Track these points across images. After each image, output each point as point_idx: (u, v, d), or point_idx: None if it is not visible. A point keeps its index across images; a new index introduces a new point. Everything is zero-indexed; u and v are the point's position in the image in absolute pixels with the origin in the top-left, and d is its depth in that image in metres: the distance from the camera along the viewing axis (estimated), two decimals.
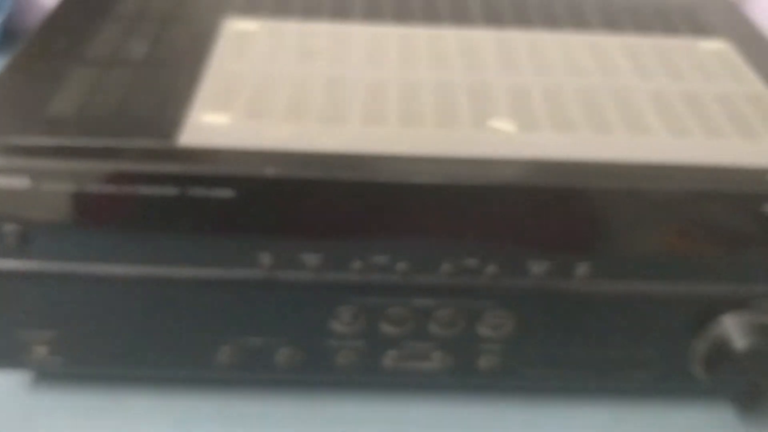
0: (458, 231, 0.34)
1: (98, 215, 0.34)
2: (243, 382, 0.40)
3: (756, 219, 0.34)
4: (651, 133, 0.36)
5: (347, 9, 0.47)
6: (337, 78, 0.39)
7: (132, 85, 0.38)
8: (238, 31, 0.43)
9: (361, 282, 0.35)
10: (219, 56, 0.41)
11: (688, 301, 0.36)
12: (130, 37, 0.43)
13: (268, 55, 0.41)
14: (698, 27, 0.48)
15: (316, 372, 0.38)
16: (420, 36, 0.44)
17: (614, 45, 0.44)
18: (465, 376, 0.39)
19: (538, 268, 0.35)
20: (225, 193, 0.33)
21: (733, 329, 0.36)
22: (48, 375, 0.40)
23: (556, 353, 0.38)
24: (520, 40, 0.44)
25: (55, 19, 0.45)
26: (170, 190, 0.33)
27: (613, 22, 0.48)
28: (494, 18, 0.47)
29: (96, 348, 0.37)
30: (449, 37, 0.44)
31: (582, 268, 0.35)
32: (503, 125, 0.36)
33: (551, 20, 0.47)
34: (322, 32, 0.44)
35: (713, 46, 0.45)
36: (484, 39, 0.44)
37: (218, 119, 0.35)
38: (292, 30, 0.44)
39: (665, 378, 0.39)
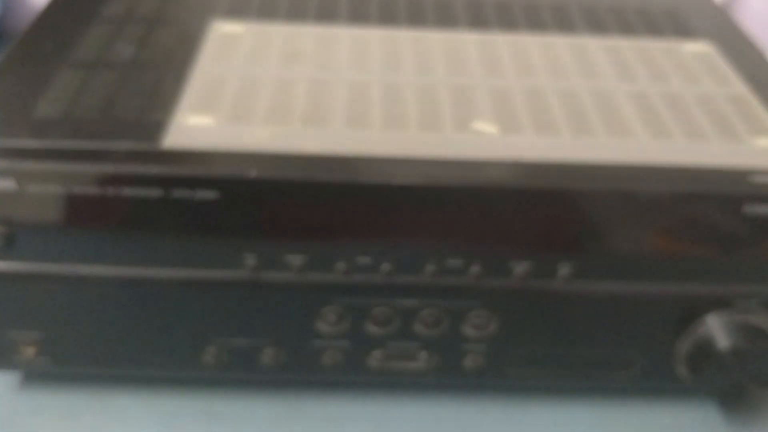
0: (442, 232, 0.35)
1: (84, 217, 0.34)
2: (229, 381, 0.40)
3: (737, 220, 0.34)
4: (633, 135, 0.37)
5: (333, 12, 0.48)
6: (321, 80, 0.40)
7: (118, 87, 0.38)
8: (224, 34, 0.44)
9: (345, 282, 0.36)
10: (204, 58, 0.41)
11: (672, 301, 0.37)
12: (116, 39, 0.43)
13: (253, 57, 0.41)
14: (682, 29, 0.48)
15: (301, 372, 0.39)
16: (404, 38, 0.44)
17: (597, 47, 0.45)
18: (450, 375, 0.39)
19: (521, 268, 0.35)
20: (209, 194, 0.33)
21: (717, 329, 0.37)
22: (36, 375, 0.40)
23: (540, 353, 0.38)
24: (503, 42, 0.45)
25: (42, 21, 0.45)
26: (155, 192, 0.33)
27: (596, 24, 0.48)
28: (478, 20, 0.48)
29: (83, 348, 0.38)
30: (433, 39, 0.44)
31: (565, 269, 0.35)
32: (486, 127, 0.37)
33: (535, 23, 0.48)
34: (307, 35, 0.44)
35: (696, 48, 0.45)
36: (467, 41, 0.44)
37: (203, 121, 0.36)
38: (277, 33, 0.44)
39: (649, 377, 0.39)
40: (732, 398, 0.38)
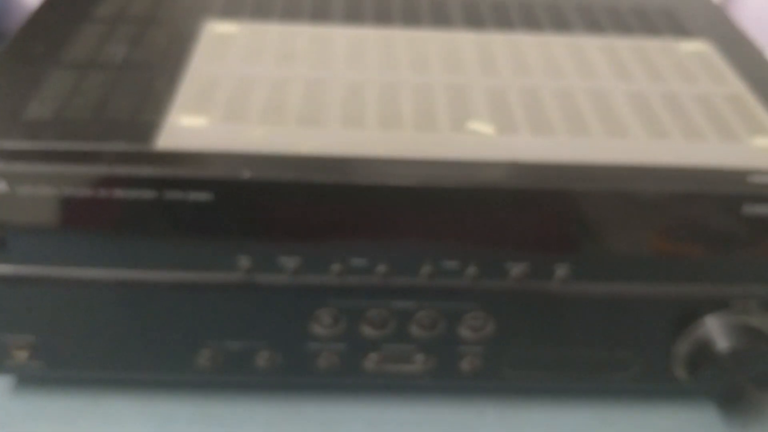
0: (438, 233, 0.34)
1: (76, 219, 0.34)
2: (223, 384, 0.40)
3: (736, 220, 0.34)
4: (630, 135, 0.37)
5: (327, 12, 0.47)
6: (316, 80, 0.39)
7: (110, 87, 0.38)
8: (218, 34, 0.43)
9: (340, 285, 0.35)
10: (198, 59, 0.41)
11: (670, 303, 0.36)
12: (109, 39, 0.43)
13: (248, 57, 0.41)
14: (679, 28, 0.48)
15: (296, 375, 0.38)
16: (399, 38, 0.44)
17: (594, 46, 0.44)
18: (447, 378, 0.38)
19: (517, 269, 0.35)
20: (203, 196, 0.33)
21: (715, 330, 0.36)
22: (29, 379, 0.40)
23: (537, 355, 0.38)
24: (499, 42, 0.44)
25: (34, 22, 0.45)
26: (148, 194, 0.33)
27: (593, 23, 0.48)
28: (474, 20, 0.47)
29: (76, 352, 0.37)
30: (429, 39, 0.44)
31: (562, 270, 0.35)
32: (482, 127, 0.36)
33: (531, 22, 0.48)
34: (301, 35, 0.44)
35: (694, 47, 0.45)
36: (463, 41, 0.44)
37: (196, 122, 0.35)
38: (271, 32, 0.44)
39: (647, 379, 0.39)
40: (730, 400, 0.38)
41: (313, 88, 0.39)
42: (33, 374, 0.39)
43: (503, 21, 0.47)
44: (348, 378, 0.39)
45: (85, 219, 0.34)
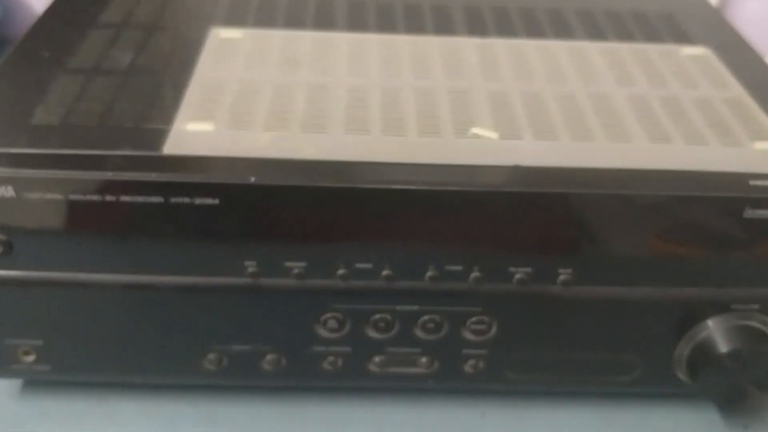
0: (442, 237, 0.35)
1: (82, 224, 0.34)
2: (230, 387, 0.40)
3: (738, 224, 0.34)
4: (632, 140, 0.37)
5: (331, 18, 0.48)
6: (320, 86, 0.40)
7: (116, 93, 0.38)
8: (223, 40, 0.44)
9: (345, 288, 0.35)
10: (203, 64, 0.41)
11: (672, 306, 0.37)
12: (114, 45, 0.43)
13: (253, 63, 0.41)
14: (679, 33, 0.48)
15: (302, 378, 0.39)
16: (402, 44, 0.44)
17: (595, 52, 0.45)
18: (450, 380, 0.39)
19: (521, 273, 0.35)
20: (209, 200, 0.33)
21: (717, 333, 0.37)
22: (36, 381, 0.40)
23: (540, 358, 0.38)
24: (502, 47, 0.45)
25: (40, 27, 0.45)
26: (154, 198, 0.33)
27: (594, 29, 0.48)
28: (476, 26, 0.48)
29: (83, 356, 0.37)
30: (432, 45, 0.44)
31: (565, 273, 0.35)
32: (485, 132, 0.36)
33: (533, 28, 0.48)
34: (305, 40, 0.44)
35: (694, 51, 0.45)
36: (466, 47, 0.44)
37: (202, 127, 0.36)
38: (276, 38, 0.44)
39: (650, 381, 0.39)
40: (732, 402, 0.38)
41: (317, 93, 0.39)
42: (40, 378, 0.39)
43: (505, 26, 0.48)
44: (352, 381, 0.39)
45: (92, 224, 0.34)
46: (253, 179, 0.33)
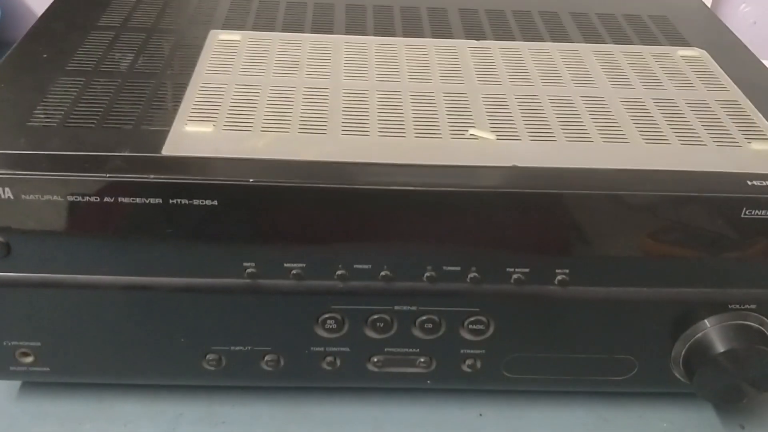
0: (440, 238, 0.35)
1: (81, 225, 0.34)
2: (229, 387, 0.40)
3: (736, 224, 0.34)
4: (629, 141, 0.37)
5: (329, 21, 0.48)
6: (318, 88, 0.40)
7: (115, 95, 0.38)
8: (222, 42, 0.44)
9: (344, 289, 0.36)
10: (203, 67, 0.41)
11: (669, 306, 0.37)
12: (114, 48, 0.43)
13: (252, 65, 0.41)
14: (674, 35, 0.49)
15: (300, 378, 0.39)
16: (400, 46, 0.45)
17: (591, 54, 0.45)
18: (448, 380, 0.39)
19: (518, 273, 0.35)
20: (208, 202, 0.33)
21: (714, 333, 0.37)
22: (35, 383, 0.40)
23: (538, 357, 0.38)
24: (498, 50, 0.45)
25: (39, 29, 0.45)
26: (153, 200, 0.33)
27: (590, 31, 0.48)
28: (473, 28, 0.48)
29: (81, 357, 0.37)
30: (429, 47, 0.45)
31: (562, 274, 0.35)
32: (483, 133, 0.37)
33: (529, 30, 0.48)
34: (304, 44, 0.44)
35: (689, 53, 0.46)
36: (463, 49, 0.45)
37: (201, 129, 0.36)
38: (275, 41, 0.44)
39: (647, 381, 0.39)
40: (729, 402, 0.38)
41: (315, 95, 0.39)
42: (38, 380, 0.39)
43: (501, 29, 0.48)
44: (351, 381, 0.39)
45: (90, 225, 0.34)
46: (251, 180, 0.33)
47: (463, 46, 0.45)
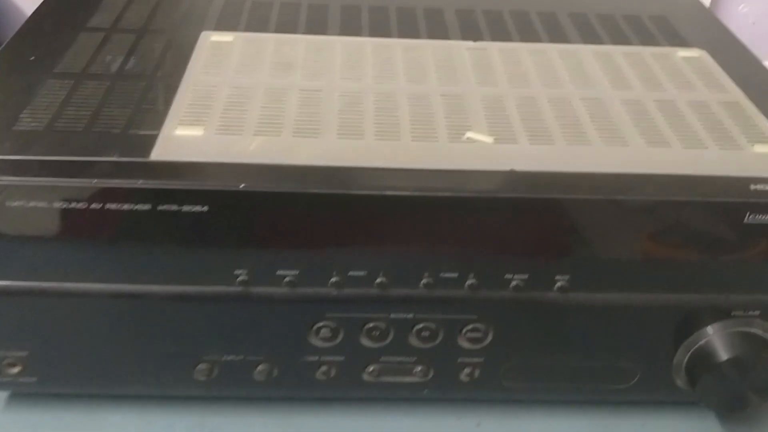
0: (437, 243, 0.34)
1: (69, 232, 0.33)
2: (221, 397, 0.39)
3: (739, 229, 0.34)
4: (629, 144, 0.36)
5: (324, 21, 0.47)
6: (312, 90, 0.39)
7: (105, 98, 0.38)
8: (214, 44, 0.43)
9: (339, 296, 0.35)
10: (194, 69, 0.40)
11: (671, 312, 0.36)
12: (103, 49, 0.42)
13: (244, 67, 0.41)
14: (674, 35, 0.48)
15: (294, 388, 0.38)
16: (396, 48, 0.44)
17: (590, 55, 0.44)
18: (446, 389, 0.38)
19: (517, 279, 0.35)
20: (198, 208, 0.32)
21: (717, 340, 0.36)
22: (22, 393, 0.39)
23: (538, 365, 0.38)
24: (495, 51, 0.44)
25: (27, 30, 0.44)
26: (142, 206, 0.32)
27: (588, 31, 0.48)
28: (470, 29, 0.47)
29: (70, 367, 0.37)
30: (425, 49, 0.44)
31: (562, 280, 0.35)
32: (480, 137, 0.36)
33: (527, 31, 0.47)
34: (298, 44, 0.43)
35: (689, 53, 0.45)
36: (460, 50, 0.44)
37: (192, 132, 0.35)
38: (268, 42, 0.43)
39: (649, 389, 0.38)
40: (733, 409, 0.37)
41: (309, 97, 0.38)
42: (26, 390, 0.38)
43: (499, 30, 0.47)
44: (346, 391, 0.38)
45: (78, 232, 0.33)
46: (243, 186, 0.32)
47: (460, 47, 0.44)
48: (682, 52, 0.45)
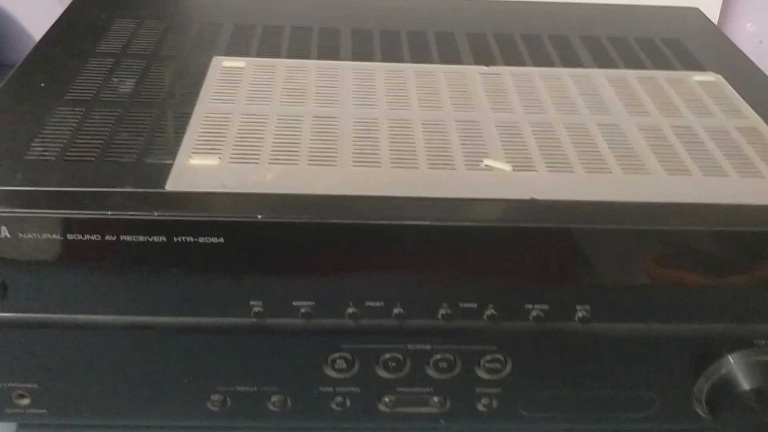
0: (455, 274, 0.33)
1: (81, 264, 0.32)
2: (234, 428, 0.39)
3: (762, 258, 0.33)
4: (649, 172, 0.36)
5: (335, 46, 0.47)
6: (326, 117, 0.38)
7: (116, 126, 0.37)
8: (226, 69, 0.43)
9: (355, 328, 0.34)
10: (206, 95, 0.40)
11: (692, 341, 0.35)
12: (114, 76, 0.42)
13: (257, 94, 0.40)
14: (688, 58, 0.48)
15: (308, 419, 0.37)
16: (409, 73, 0.43)
17: (604, 79, 0.44)
18: (463, 419, 0.37)
19: (537, 310, 0.34)
20: (214, 239, 0.32)
21: (739, 369, 0.35)
22: (31, 425, 0.38)
23: (556, 395, 0.37)
24: (509, 76, 0.44)
25: (37, 56, 0.44)
26: (156, 238, 0.31)
27: (601, 55, 0.47)
28: (482, 54, 0.47)
29: (80, 399, 0.36)
30: (438, 74, 0.44)
31: (583, 310, 0.34)
32: (498, 164, 0.35)
33: (539, 55, 0.47)
34: (310, 70, 0.43)
35: (705, 78, 0.45)
36: (473, 75, 0.44)
37: (206, 162, 0.34)
38: (280, 67, 0.43)
39: (669, 419, 0.38)
40: None
41: (323, 124, 0.38)
42: (35, 422, 0.38)
43: (511, 54, 0.47)
44: (361, 422, 0.37)
45: (90, 264, 0.32)
46: (259, 216, 0.31)
47: (473, 71, 0.44)
48: (698, 77, 0.45)
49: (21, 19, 0.66)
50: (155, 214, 0.31)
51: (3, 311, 0.33)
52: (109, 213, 0.31)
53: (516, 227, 0.32)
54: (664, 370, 0.36)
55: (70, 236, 0.31)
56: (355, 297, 0.34)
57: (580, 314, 0.34)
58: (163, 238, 0.31)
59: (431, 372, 0.36)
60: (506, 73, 0.44)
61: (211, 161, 0.34)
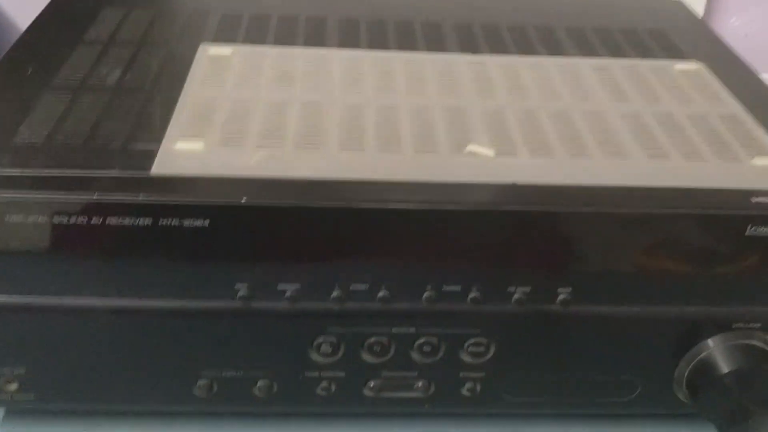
0: (439, 257, 0.34)
1: (67, 247, 0.33)
2: (221, 413, 0.39)
3: (740, 241, 0.34)
4: (629, 156, 0.36)
5: (323, 34, 0.47)
6: (313, 103, 0.39)
7: (103, 111, 0.37)
8: (213, 56, 0.43)
9: (340, 311, 0.34)
10: (193, 82, 0.40)
11: (672, 325, 0.36)
12: (101, 62, 0.42)
13: (243, 80, 0.41)
14: (671, 48, 0.48)
15: (294, 404, 0.37)
16: (396, 61, 0.44)
17: (588, 68, 0.44)
18: (448, 404, 0.38)
19: (520, 293, 0.34)
20: (199, 222, 0.32)
21: (719, 352, 0.36)
22: (19, 410, 0.39)
23: (539, 379, 0.37)
24: (495, 64, 0.44)
25: (24, 43, 0.44)
26: (142, 221, 0.32)
27: (586, 45, 0.48)
28: (468, 43, 0.47)
29: (68, 384, 0.36)
30: (425, 62, 0.44)
31: (564, 293, 0.35)
32: (481, 150, 0.36)
33: (525, 44, 0.47)
34: (297, 57, 0.43)
35: (687, 66, 0.45)
36: (459, 64, 0.44)
37: (192, 146, 0.35)
38: (267, 55, 0.43)
39: (651, 402, 0.38)
40: (734, 423, 0.37)
41: (310, 110, 0.38)
42: (23, 407, 0.38)
43: (497, 43, 0.47)
44: (347, 406, 0.38)
45: (77, 247, 0.33)
46: (244, 200, 0.32)
47: (459, 60, 0.44)
48: (680, 65, 0.45)
49: (7, 6, 0.66)
50: (141, 197, 0.31)
51: None
52: (95, 196, 0.31)
53: (497, 210, 0.33)
54: (646, 354, 0.37)
55: (56, 219, 0.32)
56: (339, 280, 0.34)
57: (561, 297, 0.35)
58: (148, 222, 0.32)
59: (416, 356, 0.36)
60: (491, 61, 0.45)
61: (196, 145, 0.35)
